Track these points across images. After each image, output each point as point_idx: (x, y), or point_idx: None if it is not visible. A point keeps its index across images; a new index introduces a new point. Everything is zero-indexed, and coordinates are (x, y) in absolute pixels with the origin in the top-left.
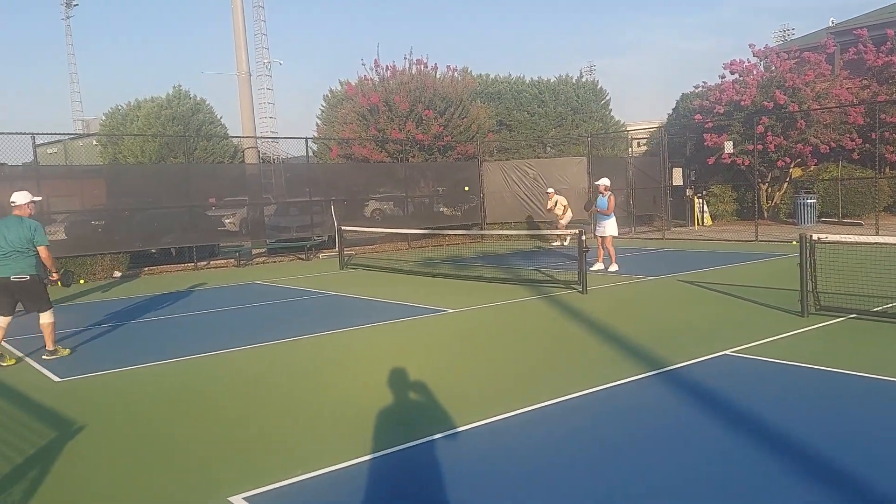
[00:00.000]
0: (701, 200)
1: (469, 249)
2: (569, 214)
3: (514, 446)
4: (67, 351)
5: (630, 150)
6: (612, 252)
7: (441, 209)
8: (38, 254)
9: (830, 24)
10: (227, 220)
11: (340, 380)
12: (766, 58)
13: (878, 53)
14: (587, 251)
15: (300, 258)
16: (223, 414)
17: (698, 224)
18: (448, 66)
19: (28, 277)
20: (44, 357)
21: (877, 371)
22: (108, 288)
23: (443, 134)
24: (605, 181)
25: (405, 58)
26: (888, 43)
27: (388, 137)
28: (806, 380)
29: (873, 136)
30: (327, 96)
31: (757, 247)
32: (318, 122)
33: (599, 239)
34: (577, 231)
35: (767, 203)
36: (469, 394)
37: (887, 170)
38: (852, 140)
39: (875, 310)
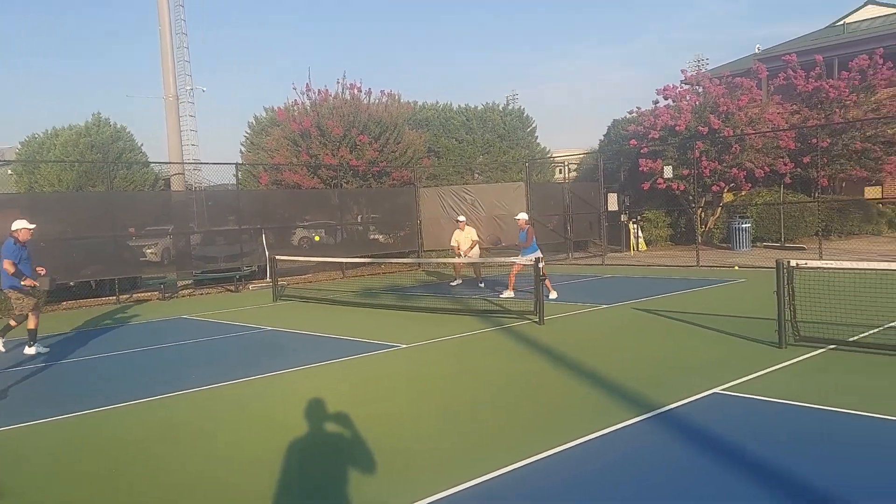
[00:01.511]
0: (636, 226)
1: (408, 278)
2: (476, 250)
3: None
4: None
5: (565, 175)
6: (512, 279)
7: (376, 236)
8: None
9: (757, 50)
10: (149, 251)
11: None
12: (699, 83)
13: (808, 79)
14: (544, 278)
15: (229, 290)
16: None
17: (633, 250)
18: (382, 91)
19: None
20: None
21: (874, 410)
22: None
23: (378, 159)
24: (523, 216)
25: (338, 82)
26: (817, 68)
27: (320, 163)
28: (806, 420)
29: (805, 161)
30: (252, 123)
31: (700, 272)
32: (243, 149)
33: (518, 267)
34: (535, 258)
35: (701, 228)
36: (429, 452)
37: (818, 194)
38: (785, 164)
39: (851, 339)
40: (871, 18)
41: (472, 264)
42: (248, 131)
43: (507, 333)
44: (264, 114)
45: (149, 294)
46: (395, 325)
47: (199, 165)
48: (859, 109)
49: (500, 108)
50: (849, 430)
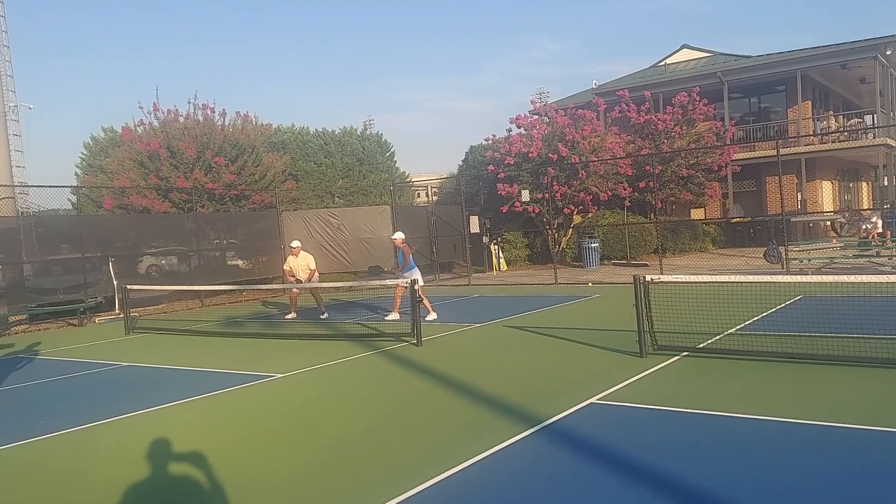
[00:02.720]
0: (497, 247)
1: (274, 304)
2: (315, 276)
3: None
4: None
5: (428, 199)
6: (426, 301)
7: (236, 262)
8: None
9: (594, 85)
10: None
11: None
12: (546, 114)
13: (640, 112)
14: (420, 300)
15: (72, 324)
16: None
17: (496, 270)
18: (237, 113)
19: None
20: None
21: (731, 410)
22: None
23: (236, 182)
24: (399, 235)
25: (189, 102)
26: (646, 103)
27: (172, 186)
28: (673, 423)
29: (641, 186)
30: (89, 143)
31: (559, 289)
32: (79, 171)
33: (401, 289)
34: (412, 279)
35: (556, 247)
36: (309, 488)
37: (654, 215)
38: (625, 189)
39: (700, 346)
40: (687, 61)
41: (311, 291)
42: (85, 152)
43: (386, 357)
44: (103, 134)
45: None
46: (267, 355)
47: (27, 189)
48: (683, 140)
49: (358, 132)
50: (710, 429)
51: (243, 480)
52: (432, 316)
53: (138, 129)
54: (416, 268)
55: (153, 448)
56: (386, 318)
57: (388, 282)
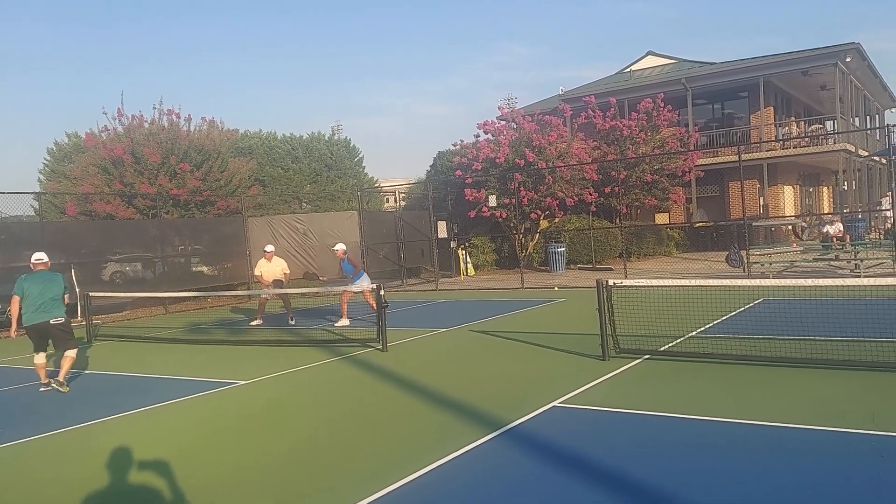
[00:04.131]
0: (464, 252)
1: (240, 311)
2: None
3: None
4: (68, 388)
5: (396, 204)
6: (346, 306)
7: (201, 269)
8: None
9: (561, 91)
10: None
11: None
12: (513, 120)
13: (605, 118)
14: (386, 306)
15: None
16: None
17: (463, 275)
18: (203, 118)
19: (63, 319)
20: (52, 383)
21: (691, 412)
22: None
23: (201, 188)
24: (341, 246)
25: (154, 107)
26: (612, 109)
27: (136, 192)
28: (634, 425)
29: (607, 191)
30: (52, 149)
31: (525, 294)
32: (42, 177)
33: (349, 295)
34: (374, 286)
35: (522, 252)
36: (273, 497)
37: (619, 220)
38: (591, 194)
39: (662, 349)
40: (652, 67)
41: (281, 297)
42: (49, 158)
43: (352, 362)
44: (67, 140)
45: None
46: (231, 361)
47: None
48: (648, 146)
49: (326, 137)
50: (671, 432)
51: (205, 488)
52: (343, 322)
53: (102, 134)
54: (365, 274)
55: (114, 456)
56: (336, 325)
57: (352, 288)
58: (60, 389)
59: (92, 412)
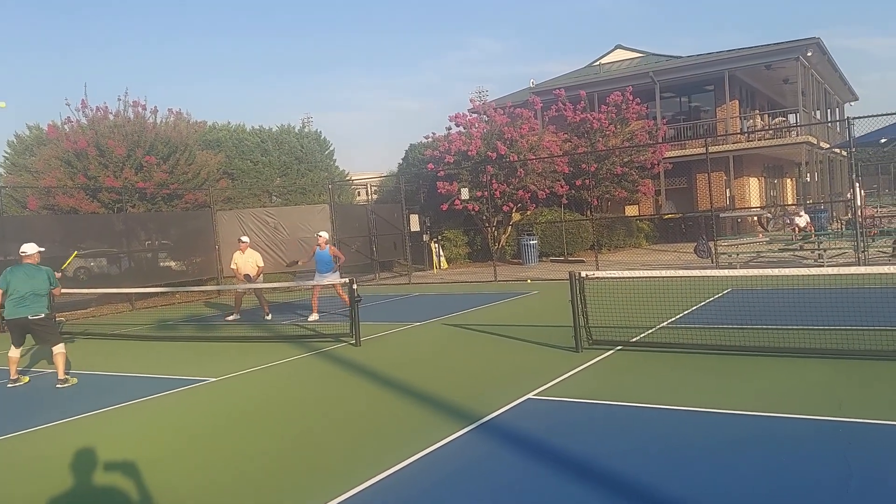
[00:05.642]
0: (437, 245)
1: (210, 306)
2: (261, 278)
3: None
4: (75, 380)
5: (367, 197)
6: (315, 302)
7: (168, 264)
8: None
9: (531, 84)
10: None
11: None
12: (485, 112)
13: (576, 111)
14: (359, 300)
15: None
16: None
17: (436, 268)
18: (170, 110)
19: (43, 315)
20: (57, 386)
21: (663, 402)
22: None
23: (168, 181)
24: (324, 234)
25: (119, 99)
26: (582, 102)
27: (101, 186)
28: (608, 416)
29: (578, 183)
30: (13, 142)
31: (498, 286)
32: (2, 170)
33: (319, 289)
34: (346, 280)
35: (495, 245)
36: (246, 497)
37: (590, 212)
38: (562, 186)
39: (633, 340)
40: (620, 61)
41: (255, 292)
42: (9, 151)
43: (324, 358)
44: (28, 132)
45: None
46: (199, 358)
47: None
48: (617, 139)
49: (297, 130)
50: (644, 422)
51: (173, 490)
52: (314, 316)
53: (65, 126)
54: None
55: (77, 459)
56: (308, 319)
57: (322, 282)
58: (67, 386)
59: (55, 413)
